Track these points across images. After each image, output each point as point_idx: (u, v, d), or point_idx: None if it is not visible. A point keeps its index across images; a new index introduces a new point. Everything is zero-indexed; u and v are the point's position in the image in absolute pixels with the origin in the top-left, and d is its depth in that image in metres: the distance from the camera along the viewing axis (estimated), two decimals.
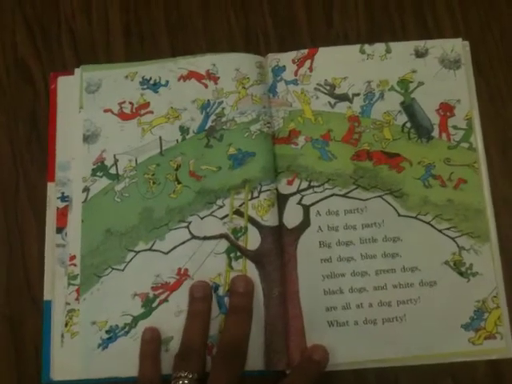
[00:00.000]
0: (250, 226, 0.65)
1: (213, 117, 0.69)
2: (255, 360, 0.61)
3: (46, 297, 0.66)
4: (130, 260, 0.65)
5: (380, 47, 0.70)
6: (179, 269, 0.65)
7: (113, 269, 0.65)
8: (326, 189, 0.66)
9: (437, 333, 0.63)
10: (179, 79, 0.70)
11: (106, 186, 0.68)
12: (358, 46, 0.70)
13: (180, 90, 0.70)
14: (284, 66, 0.70)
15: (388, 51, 0.70)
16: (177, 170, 0.68)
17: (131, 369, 0.62)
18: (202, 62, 0.71)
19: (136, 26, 0.74)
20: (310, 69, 0.70)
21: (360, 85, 0.69)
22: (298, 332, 0.63)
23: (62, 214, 0.67)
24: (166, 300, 0.64)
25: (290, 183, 0.67)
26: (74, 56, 0.74)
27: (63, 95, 0.71)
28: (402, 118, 0.68)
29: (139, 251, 0.65)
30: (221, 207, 0.66)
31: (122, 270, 0.65)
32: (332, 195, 0.66)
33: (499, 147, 0.69)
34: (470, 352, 0.62)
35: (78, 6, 0.75)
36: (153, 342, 0.63)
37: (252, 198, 0.66)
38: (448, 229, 0.65)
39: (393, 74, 0.70)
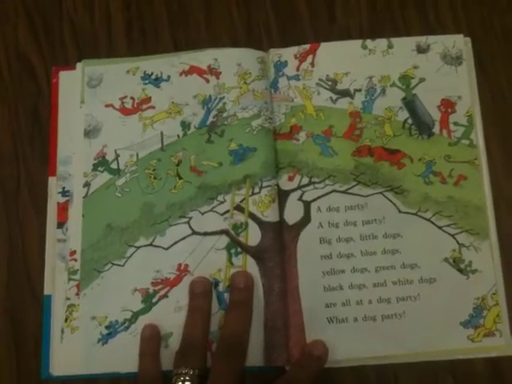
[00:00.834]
0: (250, 222, 0.65)
1: (214, 112, 0.69)
2: (255, 356, 0.62)
3: (47, 291, 0.66)
4: (131, 255, 0.65)
5: (382, 43, 0.70)
6: (179, 264, 0.65)
7: (113, 264, 0.65)
8: (327, 185, 0.66)
9: (436, 330, 0.63)
10: (181, 74, 0.70)
11: (107, 180, 0.68)
12: (359, 42, 0.70)
13: (181, 84, 0.70)
14: (286, 62, 0.70)
15: (390, 47, 0.70)
16: (178, 165, 0.68)
17: (131, 364, 0.62)
18: (203, 57, 0.70)
19: (138, 20, 0.74)
20: (312, 64, 0.70)
21: (362, 80, 0.69)
22: (297, 328, 0.63)
23: (63, 209, 0.67)
24: (165, 296, 0.64)
25: (290, 179, 0.66)
26: (76, 50, 0.74)
27: (65, 90, 0.71)
28: (404, 114, 0.68)
29: (140, 246, 0.66)
30: (221, 203, 0.66)
31: (123, 266, 0.65)
32: (333, 191, 0.66)
33: (500, 144, 0.68)
34: (469, 349, 0.62)
35: (80, 1, 0.75)
36: (152, 339, 0.63)
37: (253, 194, 0.66)
38: (448, 226, 0.65)
39: (394, 70, 0.69)
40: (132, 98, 0.70)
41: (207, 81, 0.70)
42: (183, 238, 0.65)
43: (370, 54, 0.70)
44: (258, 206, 0.65)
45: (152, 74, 0.71)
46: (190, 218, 0.66)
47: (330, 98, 0.69)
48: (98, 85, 0.71)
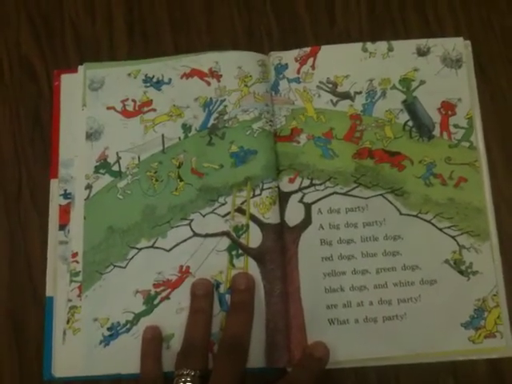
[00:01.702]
0: (251, 224, 0.65)
1: (215, 114, 0.69)
2: (256, 357, 0.62)
3: (48, 293, 0.66)
4: (132, 257, 0.65)
5: (382, 45, 0.70)
6: (181, 266, 0.65)
7: (115, 266, 0.65)
8: (328, 187, 0.66)
9: (437, 331, 0.63)
10: (182, 77, 0.71)
11: (109, 183, 0.68)
12: (360, 44, 0.70)
13: (183, 87, 0.70)
14: (286, 64, 0.70)
15: (390, 49, 0.70)
16: (179, 167, 0.68)
17: (132, 366, 0.62)
18: (204, 60, 0.71)
19: (139, 23, 0.75)
20: (313, 67, 0.70)
21: (362, 83, 0.69)
22: (299, 329, 0.63)
23: (65, 211, 0.68)
24: (167, 297, 0.64)
25: (291, 181, 0.67)
26: (78, 53, 0.74)
27: (66, 93, 0.72)
28: (404, 117, 0.68)
29: (141, 248, 0.66)
30: (223, 205, 0.66)
31: (124, 267, 0.65)
32: (333, 193, 0.66)
33: (500, 146, 0.69)
34: (470, 351, 0.62)
35: (81, 4, 0.75)
36: (154, 341, 0.63)
37: (254, 196, 0.66)
38: (448, 227, 0.65)
39: (395, 73, 0.70)
40: (133, 101, 0.70)
41: (208, 84, 0.70)
42: (184, 240, 0.66)
43: (370, 56, 0.70)
44: (258, 207, 0.65)
45: (153, 76, 0.71)
46: (192, 220, 0.66)
47: (331, 100, 0.69)
48: (100, 88, 0.71)
